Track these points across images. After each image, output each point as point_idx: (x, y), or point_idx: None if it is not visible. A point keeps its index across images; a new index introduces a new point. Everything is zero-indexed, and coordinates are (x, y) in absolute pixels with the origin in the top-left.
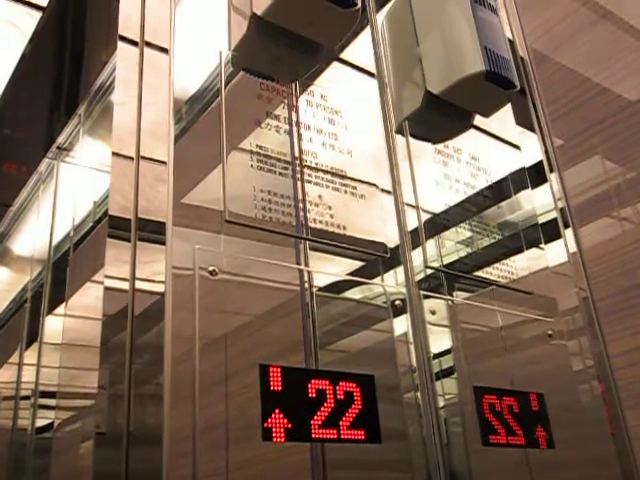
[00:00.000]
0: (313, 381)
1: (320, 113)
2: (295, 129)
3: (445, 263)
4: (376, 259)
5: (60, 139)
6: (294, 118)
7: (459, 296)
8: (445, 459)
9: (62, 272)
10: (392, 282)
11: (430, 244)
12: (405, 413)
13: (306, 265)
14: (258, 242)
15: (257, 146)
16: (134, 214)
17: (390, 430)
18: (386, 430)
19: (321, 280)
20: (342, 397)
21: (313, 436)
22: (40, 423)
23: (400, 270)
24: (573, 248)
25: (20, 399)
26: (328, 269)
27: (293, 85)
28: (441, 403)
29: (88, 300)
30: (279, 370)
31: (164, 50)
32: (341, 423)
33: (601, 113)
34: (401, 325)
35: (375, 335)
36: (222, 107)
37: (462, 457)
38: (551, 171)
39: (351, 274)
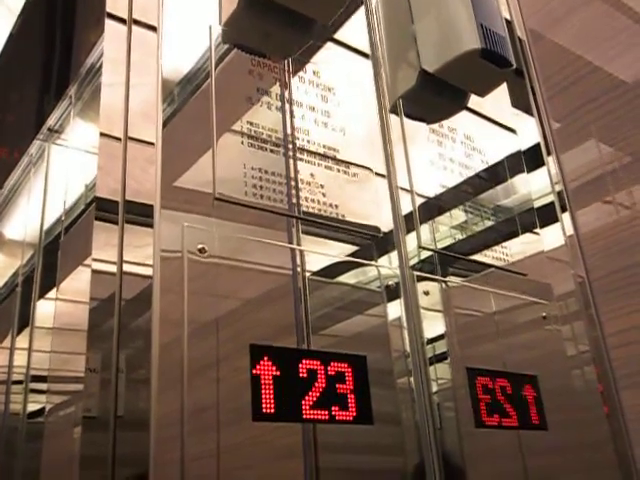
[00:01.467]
0: (304, 361)
1: (312, 90)
2: (287, 106)
3: (440, 247)
4: (370, 243)
5: (51, 121)
6: (286, 95)
7: (455, 279)
8: (438, 443)
9: (53, 256)
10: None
11: (424, 227)
12: (399, 398)
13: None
14: (249, 225)
15: (248, 123)
16: (122, 196)
17: (383, 414)
18: (379, 414)
19: (314, 264)
20: (333, 378)
21: (304, 416)
22: (32, 407)
23: (394, 254)
24: (570, 231)
25: (12, 383)
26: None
27: (285, 62)
28: (434, 388)
29: (79, 284)
30: (270, 350)
31: (153, 28)
32: (332, 404)
33: (594, 91)
34: (395, 310)
35: (369, 319)
36: (212, 83)
37: (455, 441)
38: (548, 154)
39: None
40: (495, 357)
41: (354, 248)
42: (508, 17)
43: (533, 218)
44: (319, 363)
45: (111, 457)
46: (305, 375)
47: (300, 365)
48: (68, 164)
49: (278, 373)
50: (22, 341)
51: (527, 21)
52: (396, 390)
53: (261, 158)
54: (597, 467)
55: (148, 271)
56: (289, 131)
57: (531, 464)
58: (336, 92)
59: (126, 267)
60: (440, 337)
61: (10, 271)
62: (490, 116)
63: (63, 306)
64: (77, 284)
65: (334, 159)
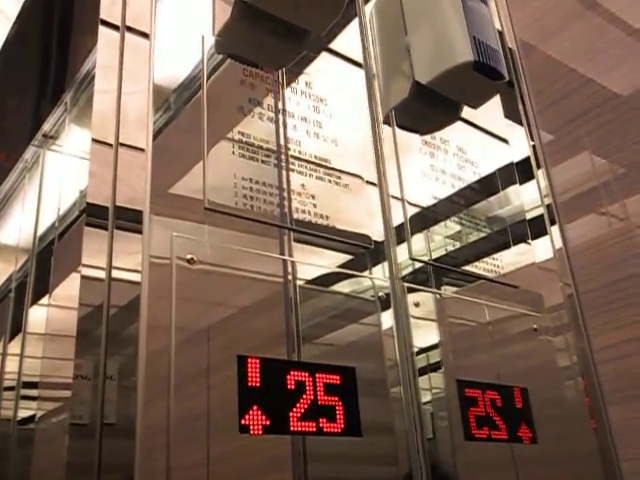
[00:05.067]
0: (292, 372)
1: (305, 101)
2: (279, 116)
3: (431, 258)
4: (364, 252)
5: (46, 127)
6: (278, 105)
7: (446, 290)
8: (426, 453)
9: (47, 262)
10: (379, 276)
11: (417, 238)
12: (391, 407)
13: (290, 256)
14: (241, 233)
15: (239, 133)
16: (112, 203)
17: (375, 424)
18: (371, 423)
19: (306, 272)
20: (322, 389)
21: (291, 429)
22: (24, 414)
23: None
24: (559, 244)
25: (3, 390)
26: (314, 262)
27: (278, 72)
28: (428, 397)
29: (72, 291)
30: (257, 361)
31: (146, 35)
32: (320, 416)
33: (587, 104)
34: (388, 319)
35: (361, 329)
36: (204, 93)
37: (448, 451)
38: (538, 167)
39: (338, 267)
40: (485, 369)
41: (347, 257)
42: (500, 28)
43: (525, 229)
44: (307, 375)
45: (97, 465)
46: (293, 387)
47: (288, 377)
48: (63, 170)
49: (266, 385)
50: (14, 347)
51: (518, 33)
52: (389, 399)
53: (252, 168)
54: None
55: (138, 278)
56: (281, 141)
57: (523, 475)
58: (328, 103)
59: (117, 274)
60: (431, 347)
61: (3, 277)
62: (483, 126)
63: (55, 312)
64: (70, 291)
65: (325, 168)
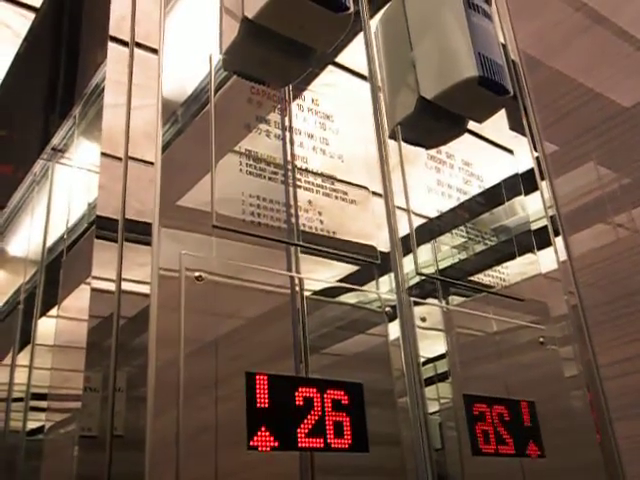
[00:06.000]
0: (300, 389)
1: (311, 117)
2: (285, 133)
3: (438, 269)
4: (370, 264)
5: (55, 140)
6: (285, 122)
7: (452, 301)
8: (433, 464)
9: (55, 274)
10: (387, 287)
11: (424, 250)
12: (399, 418)
13: (297, 270)
14: (249, 245)
15: (246, 150)
16: (121, 215)
17: (383, 435)
18: (379, 435)
19: (313, 285)
20: (329, 405)
21: (299, 445)
22: (32, 425)
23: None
24: (563, 256)
25: (12, 401)
26: (322, 273)
27: (284, 89)
28: (436, 407)
29: (81, 302)
30: (265, 378)
31: (155, 51)
32: (328, 432)
33: (595, 119)
34: (395, 329)
35: (369, 339)
36: (212, 111)
37: (456, 462)
38: (542, 179)
39: (346, 279)
40: (490, 380)
41: (355, 268)
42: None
43: (530, 240)
44: (315, 391)
45: (107, 477)
46: (301, 403)
47: (296, 393)
48: (71, 183)
49: (274, 402)
50: (24, 358)
51: (523, 48)
52: (397, 410)
53: (259, 185)
54: None
55: (148, 290)
56: (288, 158)
57: None
58: (334, 119)
59: (126, 286)
60: (439, 358)
61: (13, 288)
62: (487, 137)
63: (64, 324)
64: (78, 302)
65: (332, 182)
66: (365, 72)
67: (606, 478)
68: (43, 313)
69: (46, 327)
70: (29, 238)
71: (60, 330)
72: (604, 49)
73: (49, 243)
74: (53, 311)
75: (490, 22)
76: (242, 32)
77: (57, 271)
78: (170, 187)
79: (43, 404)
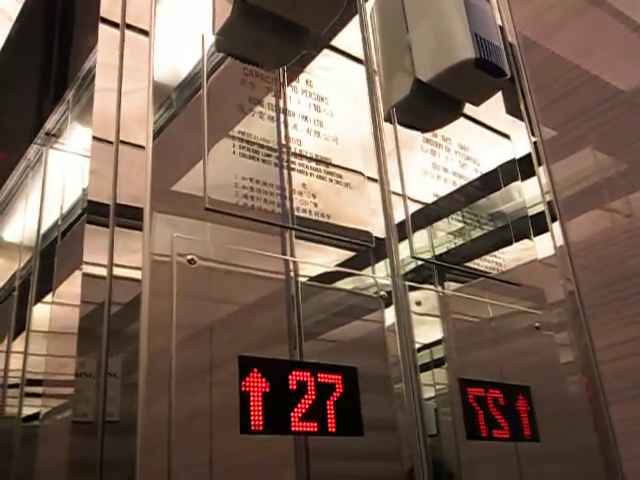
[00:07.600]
0: (294, 372)
1: (305, 99)
2: (279, 115)
3: (434, 255)
4: (367, 249)
5: (48, 125)
6: (279, 104)
7: (449, 287)
8: (428, 449)
9: (50, 260)
10: (384, 273)
11: (420, 235)
12: (395, 403)
13: (292, 254)
14: (244, 230)
15: (240, 132)
16: (112, 200)
17: (379, 420)
18: (375, 420)
19: (308, 270)
20: (323, 389)
21: (292, 429)
22: (28, 411)
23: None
24: (560, 241)
25: (8, 387)
26: (318, 258)
27: (278, 71)
28: (432, 393)
29: (75, 288)
30: (258, 362)
31: (146, 33)
32: (322, 416)
33: (590, 101)
34: (391, 315)
35: (364, 325)
36: (204, 92)
37: (451, 447)
38: (539, 163)
39: (342, 264)
40: (486, 365)
41: (351, 254)
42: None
43: (527, 225)
44: (309, 374)
45: (99, 462)
46: (295, 387)
47: (290, 377)
48: (65, 168)
49: (267, 385)
50: (18, 344)
51: (520, 29)
52: (393, 395)
53: (253, 167)
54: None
55: (139, 275)
56: (282, 140)
57: (526, 470)
58: (329, 101)
59: (118, 271)
60: (433, 344)
61: (8, 274)
62: (484, 121)
63: (59, 310)
64: (73, 288)
65: (327, 165)
66: (361, 56)
67: (601, 461)
68: (38, 299)
69: (41, 313)
70: (24, 224)
71: (55, 316)
72: (600, 30)
73: (44, 229)
74: (48, 297)
75: (487, 3)
76: (235, 12)
77: (52, 257)
78: (164, 172)
79: (39, 390)
